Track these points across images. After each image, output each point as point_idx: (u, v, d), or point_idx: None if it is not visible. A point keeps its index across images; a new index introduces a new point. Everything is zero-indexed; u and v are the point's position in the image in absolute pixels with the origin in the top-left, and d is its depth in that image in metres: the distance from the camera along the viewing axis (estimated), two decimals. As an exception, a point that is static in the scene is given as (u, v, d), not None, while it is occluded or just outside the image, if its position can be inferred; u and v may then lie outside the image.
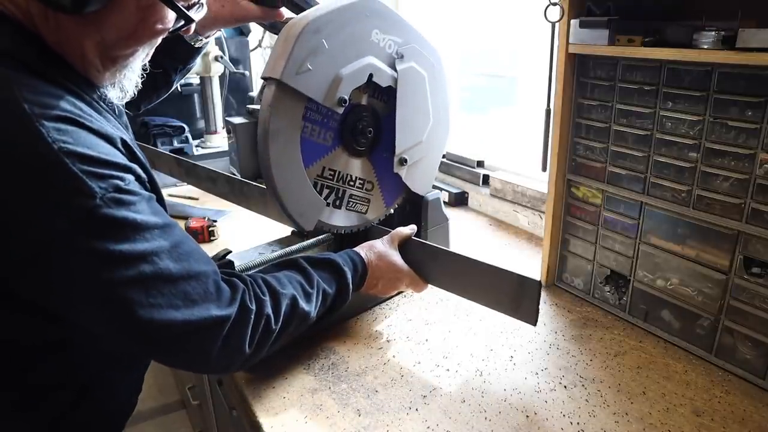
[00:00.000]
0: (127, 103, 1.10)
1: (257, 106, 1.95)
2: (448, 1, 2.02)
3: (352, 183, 1.07)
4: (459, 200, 1.78)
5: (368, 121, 1.05)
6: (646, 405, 0.86)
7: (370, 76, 0.98)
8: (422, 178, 1.16)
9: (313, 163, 0.99)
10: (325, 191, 1.03)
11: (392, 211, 1.17)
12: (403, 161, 1.09)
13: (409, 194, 1.17)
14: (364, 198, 1.10)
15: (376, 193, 1.12)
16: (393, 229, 1.11)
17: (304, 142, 0.96)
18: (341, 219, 1.07)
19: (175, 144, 2.08)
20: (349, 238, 1.15)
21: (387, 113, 1.07)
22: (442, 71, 1.13)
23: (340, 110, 0.96)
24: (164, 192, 2.13)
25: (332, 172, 1.03)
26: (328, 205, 1.03)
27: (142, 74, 0.77)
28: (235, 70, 2.27)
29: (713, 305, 0.94)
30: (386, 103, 1.07)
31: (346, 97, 0.95)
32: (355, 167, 1.07)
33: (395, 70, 1.02)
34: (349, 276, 0.93)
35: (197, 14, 0.73)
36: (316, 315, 0.88)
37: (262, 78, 0.91)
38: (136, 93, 0.79)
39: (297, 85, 0.90)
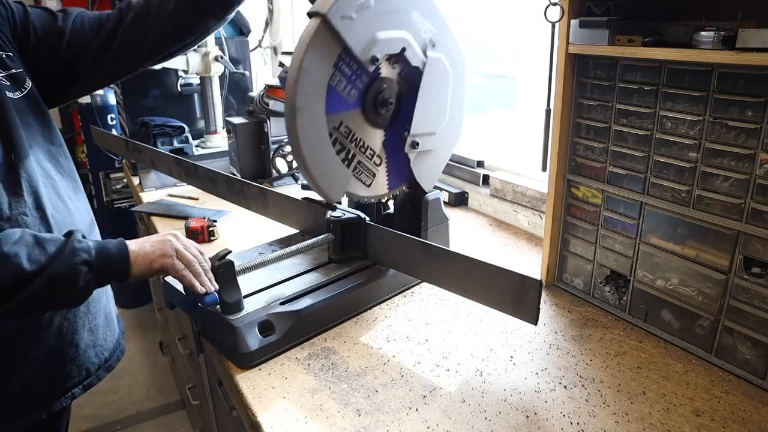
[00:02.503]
0: (167, 40, 1.20)
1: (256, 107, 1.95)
2: (448, 1, 2.02)
3: (363, 150, 1.10)
4: (459, 200, 1.78)
5: (391, 93, 1.10)
6: (646, 405, 0.86)
7: (403, 49, 1.04)
8: (428, 171, 1.19)
9: (334, 113, 1.03)
10: (338, 146, 1.05)
11: (392, 198, 1.19)
12: (414, 144, 1.13)
13: (411, 185, 1.18)
14: (370, 170, 1.12)
15: (382, 170, 1.14)
16: (393, 229, 1.11)
17: (330, 90, 1.00)
18: (363, 190, 1.13)
19: (175, 144, 2.08)
20: (349, 240, 1.15)
21: (409, 95, 1.12)
22: (464, 75, 1.19)
23: (371, 68, 1.01)
24: (164, 192, 2.13)
25: (348, 130, 1.06)
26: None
27: None
28: (235, 70, 2.27)
29: (713, 305, 0.94)
30: (410, 87, 1.12)
31: (379, 57, 1.00)
32: (370, 136, 1.10)
33: (426, 56, 1.08)
34: (78, 236, 0.87)
35: None
36: (30, 262, 0.81)
37: (308, 14, 0.95)
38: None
39: (339, 27, 0.94)
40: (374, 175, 1.13)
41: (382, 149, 1.14)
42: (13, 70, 1.00)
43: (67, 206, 1.05)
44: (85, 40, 1.10)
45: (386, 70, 1.09)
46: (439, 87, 1.14)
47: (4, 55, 1.00)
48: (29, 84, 1.03)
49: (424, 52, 1.10)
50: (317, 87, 0.98)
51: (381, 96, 1.08)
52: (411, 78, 1.12)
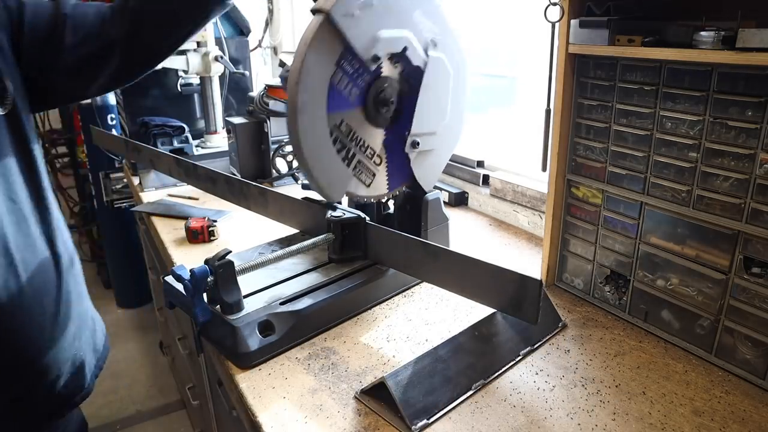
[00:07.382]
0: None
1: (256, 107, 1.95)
2: (447, 1, 2.02)
3: (363, 149, 1.10)
4: (459, 200, 1.78)
5: (392, 93, 1.10)
6: (646, 405, 0.86)
7: (405, 49, 1.05)
8: (428, 170, 1.20)
9: (335, 111, 1.03)
10: (338, 145, 1.05)
11: (392, 197, 1.19)
12: (415, 144, 1.13)
13: (412, 186, 1.18)
14: (370, 170, 1.13)
15: (382, 170, 1.15)
16: (392, 228, 1.11)
17: (332, 88, 1.00)
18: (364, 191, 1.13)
19: (175, 144, 2.08)
20: (349, 240, 1.15)
21: (410, 95, 1.12)
22: (466, 75, 1.19)
23: (372, 67, 1.02)
24: (164, 192, 2.13)
25: (348, 129, 1.06)
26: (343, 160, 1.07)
27: None
28: (235, 70, 2.27)
29: (713, 305, 0.94)
30: (411, 87, 1.12)
31: (381, 56, 1.02)
32: (370, 135, 1.11)
33: (427, 56, 1.08)
34: None
35: None
36: None
37: (312, 11, 0.95)
38: None
39: (342, 25, 0.94)
40: (374, 175, 1.13)
41: (382, 149, 1.14)
42: None
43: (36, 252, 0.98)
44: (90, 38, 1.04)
45: (388, 70, 1.09)
46: (439, 87, 1.14)
47: None
48: (10, 101, 0.92)
49: (426, 52, 1.10)
50: (319, 85, 0.98)
51: (382, 95, 1.09)
52: (412, 78, 1.12)
